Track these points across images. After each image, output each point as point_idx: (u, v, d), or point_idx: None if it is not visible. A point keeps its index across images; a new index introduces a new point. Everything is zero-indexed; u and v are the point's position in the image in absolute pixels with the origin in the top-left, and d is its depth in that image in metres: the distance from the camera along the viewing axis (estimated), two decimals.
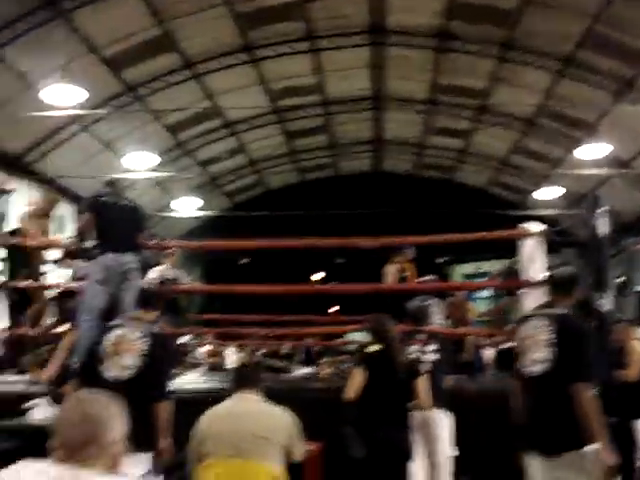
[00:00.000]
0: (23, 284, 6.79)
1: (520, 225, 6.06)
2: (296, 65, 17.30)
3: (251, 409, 3.97)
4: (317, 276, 23.61)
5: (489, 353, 10.41)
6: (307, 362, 11.84)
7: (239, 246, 7.27)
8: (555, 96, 16.73)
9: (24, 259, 6.99)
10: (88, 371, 4.34)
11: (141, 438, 3.28)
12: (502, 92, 17.51)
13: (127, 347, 4.33)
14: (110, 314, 5.92)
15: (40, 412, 5.37)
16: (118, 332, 4.41)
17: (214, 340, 12.32)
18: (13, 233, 7.34)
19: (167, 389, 4.41)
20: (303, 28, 15.98)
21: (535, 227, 5.91)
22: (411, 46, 16.64)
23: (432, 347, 5.29)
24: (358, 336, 14.58)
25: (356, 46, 16.82)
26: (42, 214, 7.26)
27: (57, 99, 13.02)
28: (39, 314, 7.04)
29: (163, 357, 4.50)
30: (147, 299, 4.80)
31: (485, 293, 15.82)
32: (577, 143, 17.43)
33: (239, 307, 11.02)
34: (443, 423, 5.16)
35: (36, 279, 6.80)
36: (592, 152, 16.59)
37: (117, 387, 4.00)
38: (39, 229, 7.01)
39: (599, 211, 5.67)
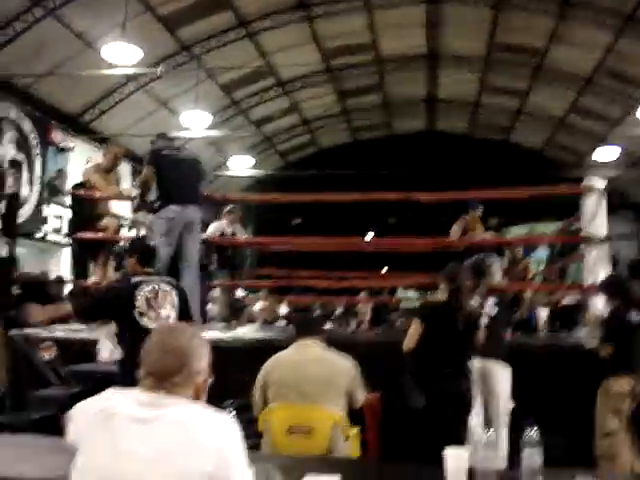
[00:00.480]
0: (89, 235, 6.90)
1: (584, 180, 5.99)
2: (350, 23, 17.11)
3: (314, 355, 4.04)
4: (369, 236, 23.59)
5: (544, 313, 10.38)
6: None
7: (296, 200, 7.29)
8: (614, 54, 16.29)
9: (90, 211, 7.12)
10: (131, 324, 4.43)
11: None
12: (560, 50, 17.09)
13: (161, 300, 4.49)
14: (173, 265, 6.08)
15: (105, 352, 5.56)
16: (148, 287, 4.52)
17: (269, 296, 12.51)
18: (78, 186, 7.43)
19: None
20: None
21: (598, 183, 5.83)
22: (467, 3, 16.31)
23: (491, 301, 5.29)
24: (410, 294, 14.73)
25: (412, 3, 16.58)
26: (108, 167, 7.33)
27: (114, 58, 13.12)
28: (104, 266, 7.19)
29: (190, 307, 4.76)
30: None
31: (542, 253, 15.70)
32: (636, 102, 16.98)
33: (291, 267, 11.08)
34: (502, 375, 5.18)
35: (102, 231, 6.89)
36: None
37: None
38: (105, 182, 7.10)
39: None
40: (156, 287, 4.52)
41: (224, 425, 1.94)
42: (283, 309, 14.61)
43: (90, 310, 4.77)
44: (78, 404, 2.24)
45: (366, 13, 16.84)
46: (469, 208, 7.67)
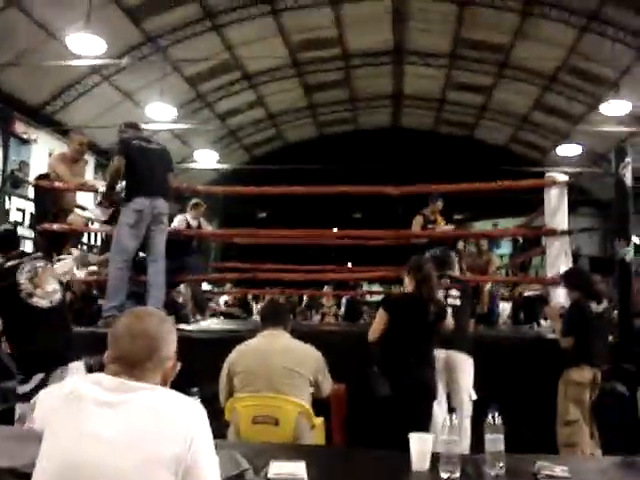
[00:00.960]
0: (54, 227, 6.81)
1: (547, 174, 6.09)
2: (317, 17, 17.10)
3: (280, 345, 4.06)
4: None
5: (506, 306, 10.53)
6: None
7: (262, 192, 7.28)
8: (578, 52, 16.53)
9: (54, 203, 7.03)
10: (20, 307, 4.43)
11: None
12: (525, 47, 17.29)
13: (43, 276, 4.52)
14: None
15: None
16: (26, 267, 4.50)
17: (234, 289, 12.50)
18: (43, 177, 7.32)
19: None
20: None
21: (560, 177, 5.93)
22: None
23: (455, 292, 5.36)
24: (375, 288, 14.82)
25: None
26: (73, 157, 7.21)
27: (78, 49, 13.02)
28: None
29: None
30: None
31: (505, 249, 15.92)
32: (599, 100, 17.25)
33: (256, 260, 11.07)
34: (465, 366, 5.24)
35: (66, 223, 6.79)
36: (613, 109, 16.38)
37: (53, 312, 4.48)
38: (70, 173, 6.98)
39: (624, 162, 5.68)
40: (34, 265, 4.52)
41: (192, 410, 1.95)
42: (255, 305, 14.63)
43: None
44: (42, 390, 2.23)
45: (332, 7, 16.84)
46: (429, 201, 7.75)
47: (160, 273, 6.13)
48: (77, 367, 4.43)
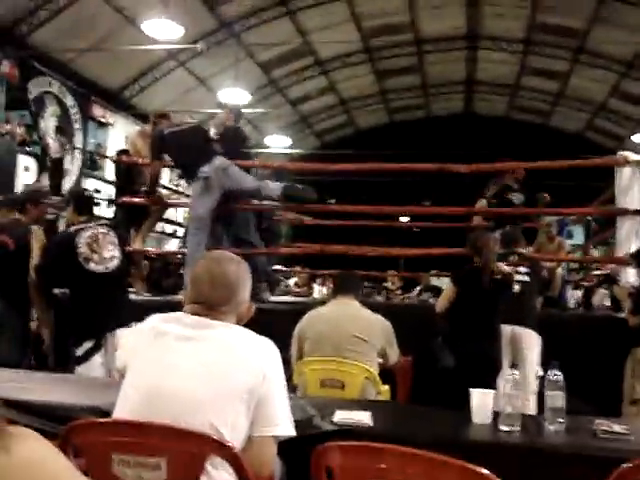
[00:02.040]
0: (134, 200, 7.01)
1: (619, 153, 6.03)
2: (390, 2, 17.10)
3: (350, 312, 4.16)
4: (404, 219, 23.56)
5: (576, 292, 10.40)
6: None
7: (332, 169, 7.35)
8: None
9: (135, 177, 7.24)
10: (78, 271, 4.56)
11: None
12: (601, 32, 16.88)
13: (102, 242, 4.64)
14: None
15: None
16: (87, 233, 4.63)
17: (303, 271, 12.64)
18: (122, 153, 7.55)
19: None
20: None
21: (633, 155, 5.85)
22: None
23: (523, 269, 5.37)
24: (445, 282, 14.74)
25: None
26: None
27: (155, 34, 13.30)
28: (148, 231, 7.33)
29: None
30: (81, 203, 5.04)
31: (576, 240, 15.64)
32: None
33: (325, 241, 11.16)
34: (531, 342, 5.24)
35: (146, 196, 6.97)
36: None
37: (108, 278, 4.57)
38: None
39: None
40: (95, 231, 4.65)
41: (266, 347, 2.10)
42: (316, 286, 14.78)
43: (41, 273, 4.69)
44: (120, 332, 2.41)
45: None
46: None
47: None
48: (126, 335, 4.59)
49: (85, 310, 4.53)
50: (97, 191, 15.81)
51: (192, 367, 2.01)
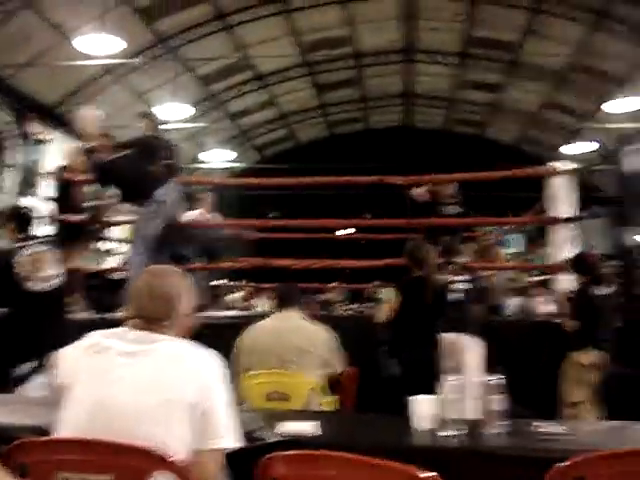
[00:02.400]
0: (74, 218, 6.91)
1: (549, 163, 6.21)
2: (328, 16, 17.23)
3: (293, 324, 4.19)
4: (344, 232, 23.68)
5: (515, 301, 10.59)
6: None
7: (271, 184, 7.41)
8: (587, 49, 16.57)
9: (73, 194, 7.13)
10: (14, 289, 4.45)
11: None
12: (534, 45, 17.32)
13: (42, 262, 4.53)
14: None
15: None
16: (27, 252, 4.52)
17: (248, 285, 12.63)
18: (63, 170, 7.42)
19: None
20: None
21: (564, 165, 6.03)
22: None
23: (462, 277, 5.48)
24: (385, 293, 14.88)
25: None
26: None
27: (91, 50, 13.16)
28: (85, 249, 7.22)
29: None
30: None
31: (513, 249, 15.94)
32: (608, 97, 17.27)
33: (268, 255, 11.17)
34: (471, 347, 5.31)
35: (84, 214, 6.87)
36: (623, 106, 16.40)
37: (46, 297, 4.45)
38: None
39: (627, 149, 5.80)
40: (35, 250, 4.55)
41: (210, 359, 2.11)
42: (260, 300, 14.77)
43: None
44: (61, 350, 2.40)
45: (342, 6, 16.96)
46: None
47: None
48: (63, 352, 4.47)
49: (24, 330, 4.41)
50: (30, 209, 15.54)
51: (136, 381, 2.01)
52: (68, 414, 2.06)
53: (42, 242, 4.71)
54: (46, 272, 4.51)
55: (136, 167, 6.16)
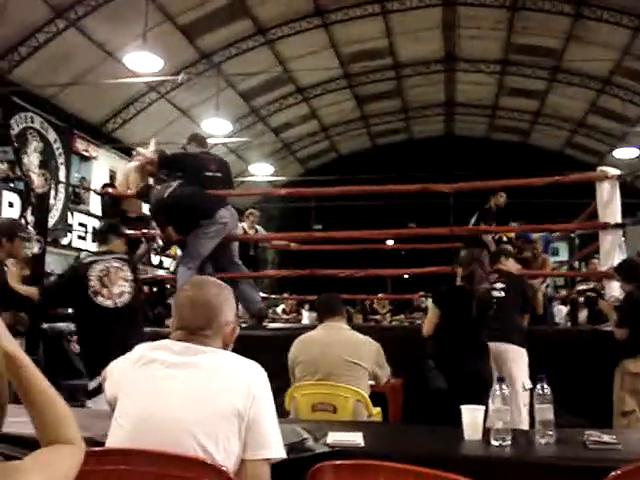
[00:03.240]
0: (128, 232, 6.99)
1: (599, 168, 6.13)
2: (367, 28, 17.33)
3: (340, 336, 4.17)
4: (389, 242, 23.64)
5: (562, 308, 10.45)
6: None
7: (318, 193, 7.46)
8: (631, 53, 16.36)
9: (122, 209, 7.24)
10: (86, 304, 4.49)
11: None
12: (577, 50, 17.18)
13: (114, 277, 4.53)
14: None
15: None
16: (100, 266, 4.53)
17: (291, 297, 12.68)
18: (107, 186, 7.56)
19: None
20: None
21: (612, 170, 5.94)
22: (483, 5, 16.47)
23: (500, 285, 5.39)
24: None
25: (427, 6, 16.77)
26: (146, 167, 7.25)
27: (135, 67, 13.40)
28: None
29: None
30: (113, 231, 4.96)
31: (561, 257, 15.75)
32: None
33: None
34: (516, 356, 5.24)
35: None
36: None
37: (117, 313, 4.45)
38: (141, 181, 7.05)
39: None
40: (108, 265, 4.55)
41: (254, 369, 2.13)
42: (305, 312, 14.81)
43: (46, 295, 4.66)
44: (111, 363, 2.44)
45: (382, 18, 17.04)
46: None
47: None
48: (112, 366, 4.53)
49: (94, 344, 4.46)
50: (82, 225, 15.85)
51: (182, 392, 2.03)
52: (116, 427, 2.09)
53: (117, 258, 4.69)
54: (116, 289, 4.53)
55: (197, 195, 6.21)
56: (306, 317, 14.23)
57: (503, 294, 5.29)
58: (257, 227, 9.28)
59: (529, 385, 5.05)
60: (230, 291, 2.32)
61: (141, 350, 2.21)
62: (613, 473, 1.89)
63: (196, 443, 1.95)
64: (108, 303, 4.47)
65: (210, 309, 2.21)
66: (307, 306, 14.86)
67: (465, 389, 4.52)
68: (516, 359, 5.21)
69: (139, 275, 5.00)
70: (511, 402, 5.09)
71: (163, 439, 1.96)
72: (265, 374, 2.14)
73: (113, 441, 2.09)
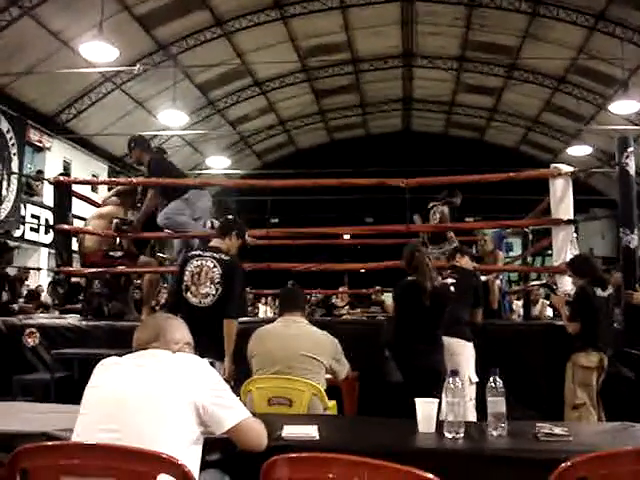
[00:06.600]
0: (74, 227, 6.94)
1: (552, 165, 6.23)
2: (326, 22, 17.33)
3: (298, 330, 4.17)
4: (346, 236, 23.69)
5: (517, 303, 10.58)
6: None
7: (273, 185, 7.46)
8: (586, 52, 16.62)
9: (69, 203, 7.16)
10: (180, 296, 4.69)
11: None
12: (533, 49, 17.40)
13: (203, 277, 4.61)
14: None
15: None
16: (196, 262, 4.65)
17: (249, 292, 12.60)
18: (61, 176, 7.44)
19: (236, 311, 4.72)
20: None
21: (565, 167, 6.05)
22: (441, 1, 16.61)
23: (450, 280, 5.43)
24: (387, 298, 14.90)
25: (386, 1, 16.83)
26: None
27: (91, 57, 13.21)
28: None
29: (234, 284, 4.70)
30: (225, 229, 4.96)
31: (515, 252, 15.91)
32: (608, 100, 17.32)
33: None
34: (463, 350, 5.28)
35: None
36: (623, 108, 16.43)
37: (201, 312, 4.55)
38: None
39: (627, 152, 5.81)
40: (202, 262, 4.64)
41: (204, 365, 2.41)
42: (262, 306, 14.81)
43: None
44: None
45: (341, 12, 17.05)
46: (444, 199, 7.87)
47: None
48: None
49: None
50: (35, 217, 15.60)
51: (146, 381, 2.28)
52: (84, 410, 2.30)
53: (214, 257, 4.66)
54: (203, 289, 4.60)
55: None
56: (262, 311, 14.26)
57: (453, 289, 5.33)
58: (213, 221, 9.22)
59: (475, 379, 5.12)
60: (178, 321, 2.69)
61: (108, 359, 2.46)
62: (564, 464, 1.93)
63: (152, 429, 2.15)
64: (194, 300, 4.61)
65: (155, 328, 2.55)
66: (263, 300, 14.89)
67: (419, 382, 4.56)
68: (462, 353, 5.25)
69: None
70: (463, 395, 5.18)
71: (120, 429, 2.14)
72: (215, 370, 2.44)
73: (74, 434, 2.26)
